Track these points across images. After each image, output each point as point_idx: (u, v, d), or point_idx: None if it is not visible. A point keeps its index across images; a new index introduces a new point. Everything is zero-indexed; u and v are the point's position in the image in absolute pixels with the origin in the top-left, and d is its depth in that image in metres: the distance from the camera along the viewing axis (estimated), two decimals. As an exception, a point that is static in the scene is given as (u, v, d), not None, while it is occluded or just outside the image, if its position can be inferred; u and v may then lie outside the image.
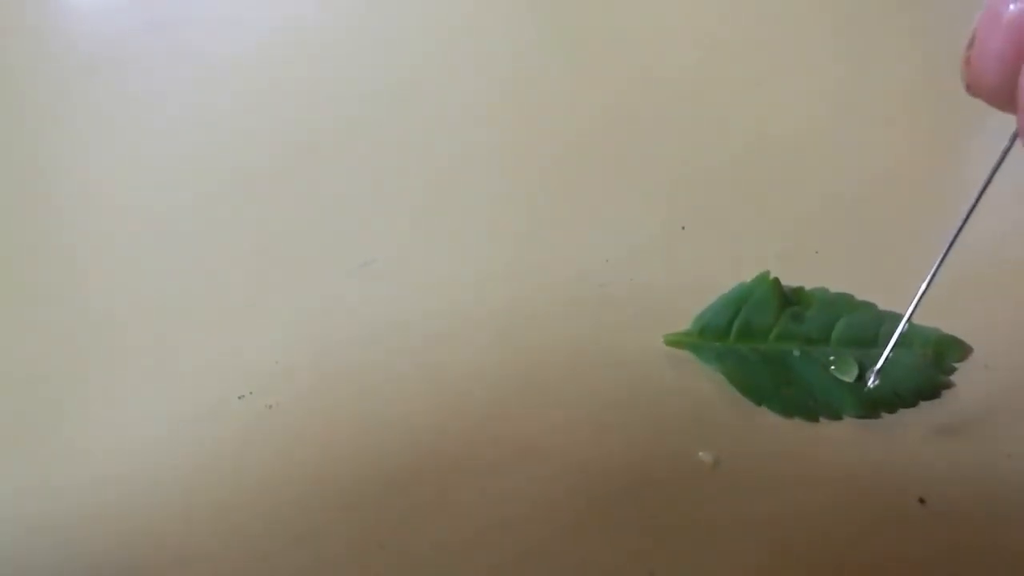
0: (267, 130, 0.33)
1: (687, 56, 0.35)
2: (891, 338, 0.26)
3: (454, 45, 0.37)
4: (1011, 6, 0.17)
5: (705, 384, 0.26)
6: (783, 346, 0.26)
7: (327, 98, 0.35)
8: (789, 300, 0.27)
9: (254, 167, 0.32)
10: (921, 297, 0.24)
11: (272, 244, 0.30)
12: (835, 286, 0.27)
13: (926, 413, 0.25)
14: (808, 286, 0.28)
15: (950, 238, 0.24)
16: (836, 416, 0.25)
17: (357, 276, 0.28)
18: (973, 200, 0.23)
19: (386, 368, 0.26)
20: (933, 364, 0.26)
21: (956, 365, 0.26)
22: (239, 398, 0.25)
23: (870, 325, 0.27)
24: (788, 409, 0.25)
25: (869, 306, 0.27)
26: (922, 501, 0.24)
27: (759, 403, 0.25)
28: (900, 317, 0.27)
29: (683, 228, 0.30)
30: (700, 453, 0.24)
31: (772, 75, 0.34)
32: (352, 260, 0.29)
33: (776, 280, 0.27)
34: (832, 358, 0.26)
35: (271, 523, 0.23)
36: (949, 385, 0.26)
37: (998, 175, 0.23)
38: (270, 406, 0.25)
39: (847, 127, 0.33)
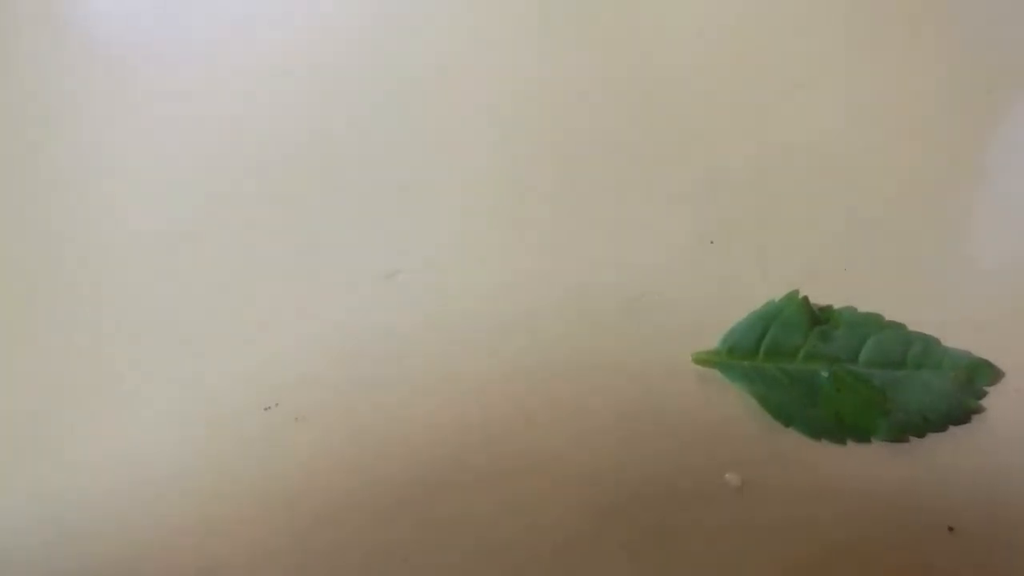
0: (293, 140, 0.33)
1: (717, 68, 0.35)
2: (920, 360, 0.26)
3: (482, 50, 0.36)
4: None
5: (733, 403, 0.25)
6: (811, 366, 0.26)
7: (351, 105, 0.34)
8: (818, 319, 0.27)
9: (281, 178, 0.32)
10: None
11: (298, 254, 0.29)
12: (864, 305, 0.27)
13: (956, 438, 0.25)
14: (836, 304, 0.27)
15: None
16: (864, 440, 0.25)
17: (384, 287, 0.28)
18: None
19: (412, 380, 0.26)
20: (963, 388, 0.26)
21: (987, 389, 0.26)
22: (265, 410, 0.25)
23: (899, 346, 0.26)
24: (816, 431, 0.25)
25: (898, 326, 0.27)
26: (951, 529, 0.23)
27: (787, 425, 0.25)
28: (929, 338, 0.27)
29: (712, 242, 0.29)
30: (727, 475, 0.24)
31: (802, 87, 0.34)
32: (378, 271, 0.29)
33: (805, 299, 0.27)
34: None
35: (295, 535, 0.23)
36: (979, 410, 0.26)
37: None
38: (297, 418, 0.25)
39: (879, 142, 0.32)
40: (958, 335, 0.26)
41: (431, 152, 0.32)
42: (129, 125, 0.34)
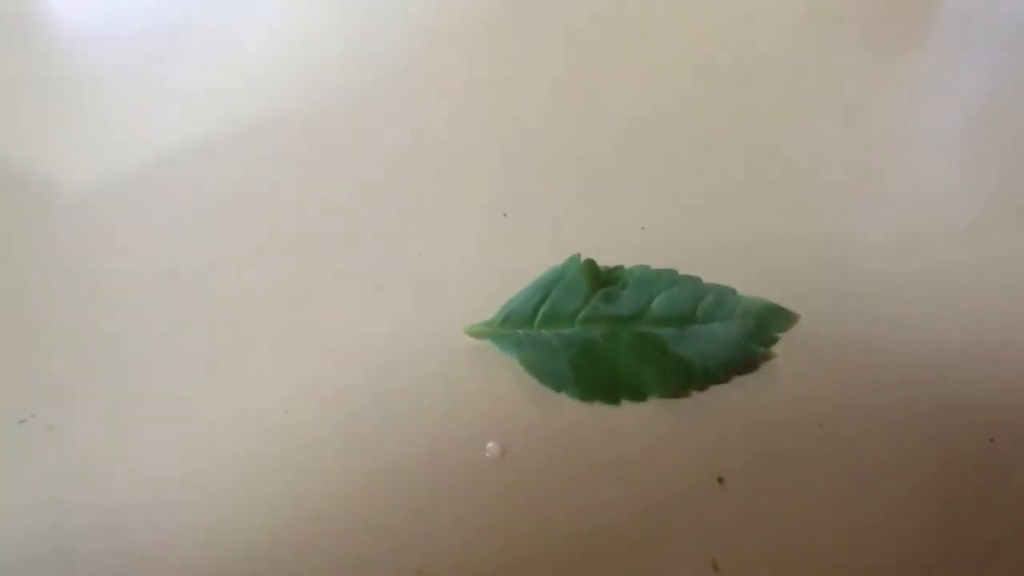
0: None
1: (510, 43, 0.34)
2: (710, 311, 0.25)
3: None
4: None
5: (505, 375, 0.25)
6: (589, 328, 0.25)
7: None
8: (604, 280, 0.26)
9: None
10: None
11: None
12: (662, 263, 0.26)
13: (742, 387, 0.24)
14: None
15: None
16: (640, 398, 0.24)
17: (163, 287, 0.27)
18: None
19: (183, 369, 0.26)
20: (753, 335, 0.25)
21: (779, 335, 0.25)
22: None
23: (690, 299, 0.25)
24: (588, 394, 0.24)
25: (692, 280, 0.26)
26: (720, 480, 0.22)
27: (558, 390, 0.24)
28: (723, 289, 0.26)
29: (504, 215, 0.29)
30: (488, 445, 0.23)
31: (598, 52, 0.33)
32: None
33: (589, 261, 0.26)
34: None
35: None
36: (768, 356, 0.25)
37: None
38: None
39: (674, 107, 0.31)
40: (754, 284, 0.25)
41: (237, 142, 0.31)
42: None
